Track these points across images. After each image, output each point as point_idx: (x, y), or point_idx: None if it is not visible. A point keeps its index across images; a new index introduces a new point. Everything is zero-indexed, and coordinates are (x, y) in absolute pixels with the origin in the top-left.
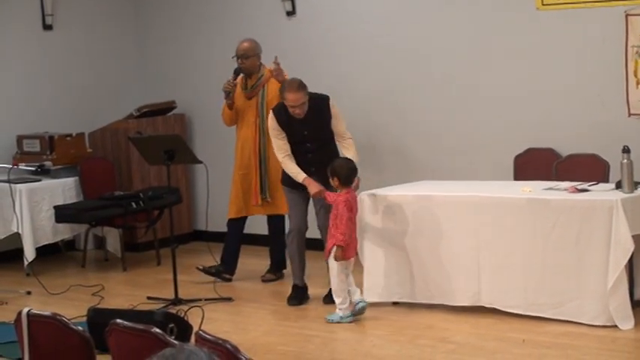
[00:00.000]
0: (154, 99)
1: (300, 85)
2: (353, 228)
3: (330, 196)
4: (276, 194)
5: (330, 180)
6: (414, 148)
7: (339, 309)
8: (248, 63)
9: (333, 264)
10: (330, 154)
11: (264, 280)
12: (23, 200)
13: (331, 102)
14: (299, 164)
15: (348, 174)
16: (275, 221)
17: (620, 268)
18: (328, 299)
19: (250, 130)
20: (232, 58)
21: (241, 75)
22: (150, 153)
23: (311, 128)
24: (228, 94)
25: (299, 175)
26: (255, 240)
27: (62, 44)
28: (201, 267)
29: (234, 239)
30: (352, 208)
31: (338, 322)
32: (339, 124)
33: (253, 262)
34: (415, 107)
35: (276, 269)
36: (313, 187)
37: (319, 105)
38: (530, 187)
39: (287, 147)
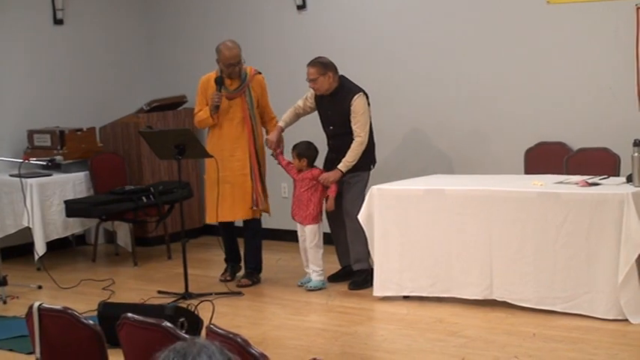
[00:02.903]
0: (165, 93)
1: (314, 62)
2: None
3: (312, 172)
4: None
5: (298, 160)
6: (425, 142)
7: (319, 275)
8: (237, 69)
9: (314, 235)
10: (349, 145)
11: (240, 285)
12: (34, 195)
13: (356, 97)
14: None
15: (315, 155)
16: (253, 224)
17: (630, 262)
18: (353, 286)
19: (234, 130)
20: (217, 67)
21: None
22: (160, 147)
23: (333, 111)
24: (217, 107)
25: (280, 120)
26: (263, 234)
27: (73, 39)
28: (229, 277)
29: (230, 238)
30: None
31: (313, 289)
32: (354, 120)
33: (263, 256)
34: (425, 101)
35: (254, 273)
36: (272, 134)
37: (345, 95)
38: (541, 181)
39: (301, 104)
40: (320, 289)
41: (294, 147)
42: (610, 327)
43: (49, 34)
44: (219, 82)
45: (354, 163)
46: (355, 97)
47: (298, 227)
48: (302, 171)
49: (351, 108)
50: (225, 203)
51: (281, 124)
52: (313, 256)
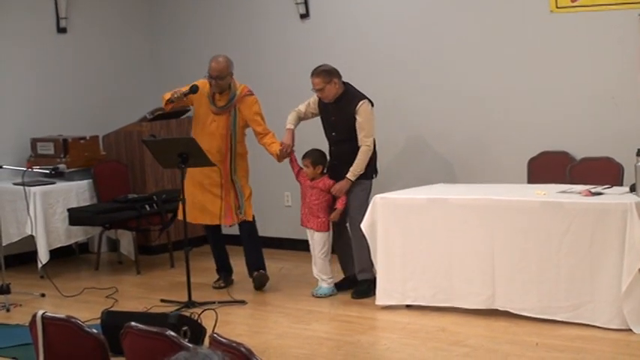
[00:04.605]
0: None
1: (317, 71)
2: None
3: (324, 181)
4: (244, 203)
5: (312, 168)
6: (428, 151)
7: (328, 283)
8: (223, 83)
9: (323, 244)
10: (351, 152)
11: (260, 281)
12: (37, 203)
13: (361, 104)
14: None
15: (326, 162)
16: (245, 226)
17: (634, 271)
18: (356, 295)
19: (213, 144)
20: (205, 77)
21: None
22: (163, 156)
23: (337, 117)
24: (172, 101)
25: (287, 124)
26: (265, 242)
27: (76, 47)
28: (223, 284)
29: (215, 246)
30: None
31: (321, 296)
32: (360, 128)
33: (266, 264)
34: (428, 110)
35: (259, 270)
36: (286, 137)
37: (350, 101)
38: (544, 191)
39: (303, 109)
40: (329, 295)
41: (307, 155)
42: (613, 336)
43: (53, 43)
44: (193, 89)
45: (362, 171)
46: (360, 103)
47: (309, 234)
48: (315, 179)
49: (356, 115)
50: (196, 207)
51: (291, 126)
52: (321, 265)
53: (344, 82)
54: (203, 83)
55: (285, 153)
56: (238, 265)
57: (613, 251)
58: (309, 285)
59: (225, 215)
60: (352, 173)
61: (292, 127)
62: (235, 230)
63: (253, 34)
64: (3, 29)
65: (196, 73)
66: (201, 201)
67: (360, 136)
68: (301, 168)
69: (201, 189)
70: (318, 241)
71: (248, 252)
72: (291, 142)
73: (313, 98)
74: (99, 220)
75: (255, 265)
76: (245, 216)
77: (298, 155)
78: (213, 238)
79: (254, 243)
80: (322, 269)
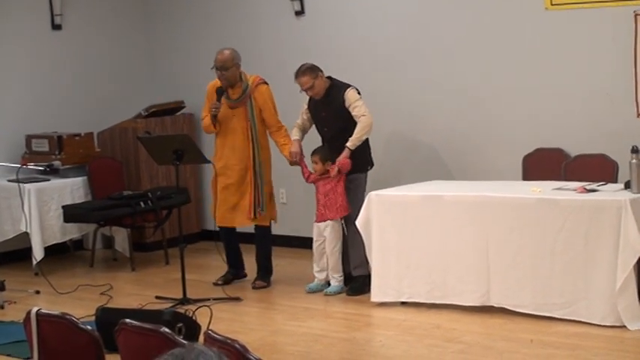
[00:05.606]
0: (163, 99)
1: (302, 70)
2: None
3: (330, 168)
4: (267, 205)
5: (321, 164)
6: (423, 148)
7: (338, 281)
8: (228, 74)
9: (336, 240)
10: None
11: (255, 287)
12: (32, 200)
13: (348, 90)
14: None
15: (334, 157)
16: (260, 230)
17: (628, 268)
18: (351, 291)
19: (236, 140)
20: (211, 69)
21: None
22: (158, 153)
23: (327, 112)
24: (215, 117)
25: (292, 136)
26: None
27: (71, 44)
28: (220, 282)
29: (229, 244)
30: None
31: (334, 294)
32: (352, 107)
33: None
34: (424, 107)
35: (265, 275)
36: (294, 146)
37: (337, 92)
38: (539, 188)
39: (300, 122)
40: (339, 293)
41: (316, 152)
42: (607, 333)
43: (47, 40)
44: (219, 92)
45: (361, 140)
46: (347, 90)
47: (316, 231)
48: (324, 174)
49: (345, 103)
50: (225, 209)
51: (296, 137)
52: (334, 263)
53: (328, 77)
54: (215, 82)
55: (295, 161)
56: (253, 262)
57: (607, 248)
58: (304, 282)
59: (252, 213)
60: (351, 142)
61: (297, 137)
62: (246, 228)
63: (248, 32)
64: None
65: (191, 70)
66: (231, 203)
67: (354, 113)
68: (311, 173)
69: (229, 192)
70: (331, 239)
71: (257, 257)
72: (298, 149)
73: (303, 107)
74: (93, 217)
75: (261, 271)
76: (263, 219)
77: (306, 153)
78: (224, 233)
79: (263, 250)
80: (334, 267)
